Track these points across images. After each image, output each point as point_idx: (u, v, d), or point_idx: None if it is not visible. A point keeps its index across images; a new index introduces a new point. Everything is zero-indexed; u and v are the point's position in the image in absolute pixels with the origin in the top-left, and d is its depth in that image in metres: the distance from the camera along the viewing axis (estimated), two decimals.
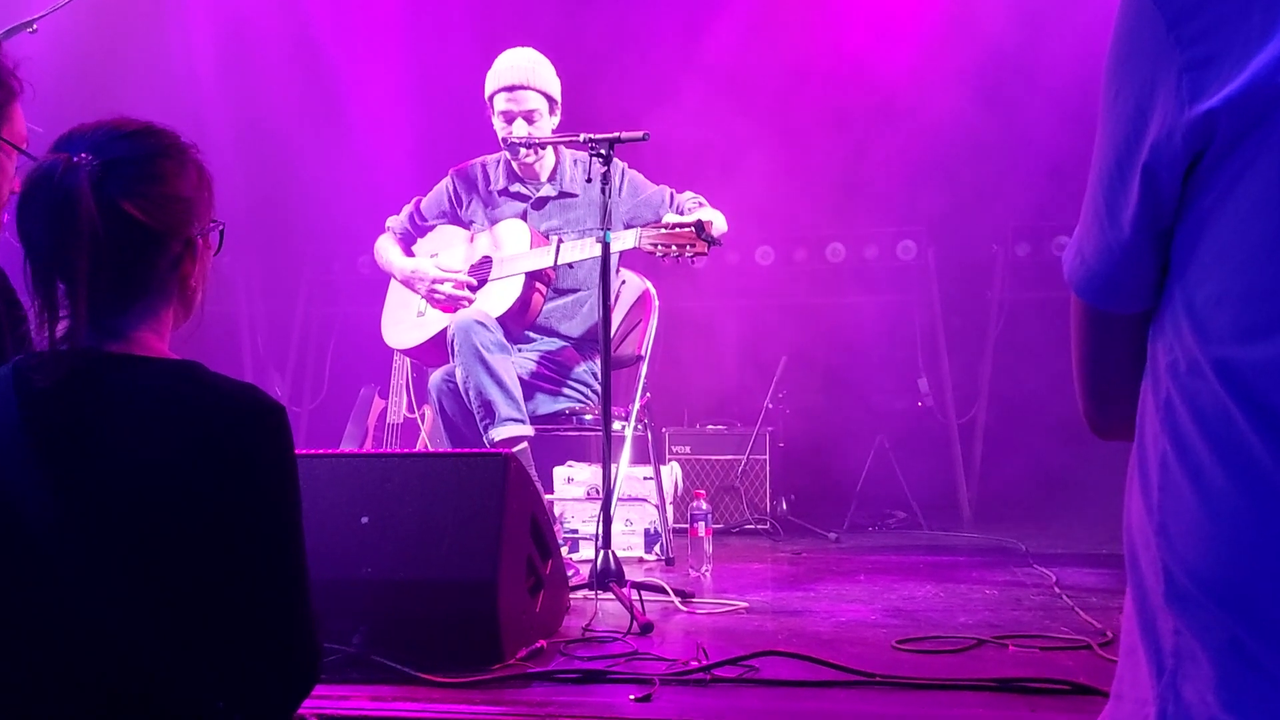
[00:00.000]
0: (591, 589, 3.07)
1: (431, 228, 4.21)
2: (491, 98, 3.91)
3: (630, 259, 4.26)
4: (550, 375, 3.88)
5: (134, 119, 1.35)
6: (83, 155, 1.26)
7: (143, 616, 1.22)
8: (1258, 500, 0.79)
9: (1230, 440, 0.81)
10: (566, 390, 3.91)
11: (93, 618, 1.21)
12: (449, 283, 3.94)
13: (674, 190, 3.97)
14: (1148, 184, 0.87)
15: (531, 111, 3.85)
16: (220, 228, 1.42)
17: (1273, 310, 0.80)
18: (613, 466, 3.33)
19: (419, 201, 4.22)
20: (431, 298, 4.00)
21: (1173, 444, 0.86)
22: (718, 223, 3.78)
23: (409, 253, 4.19)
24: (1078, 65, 4.53)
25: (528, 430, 3.64)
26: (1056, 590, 3.30)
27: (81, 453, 1.23)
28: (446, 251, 4.11)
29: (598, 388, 3.77)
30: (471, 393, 3.63)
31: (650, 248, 3.48)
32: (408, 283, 4.06)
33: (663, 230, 3.48)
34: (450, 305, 3.93)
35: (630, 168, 4.02)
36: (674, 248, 3.44)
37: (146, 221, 1.29)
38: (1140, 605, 0.89)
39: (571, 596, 3.01)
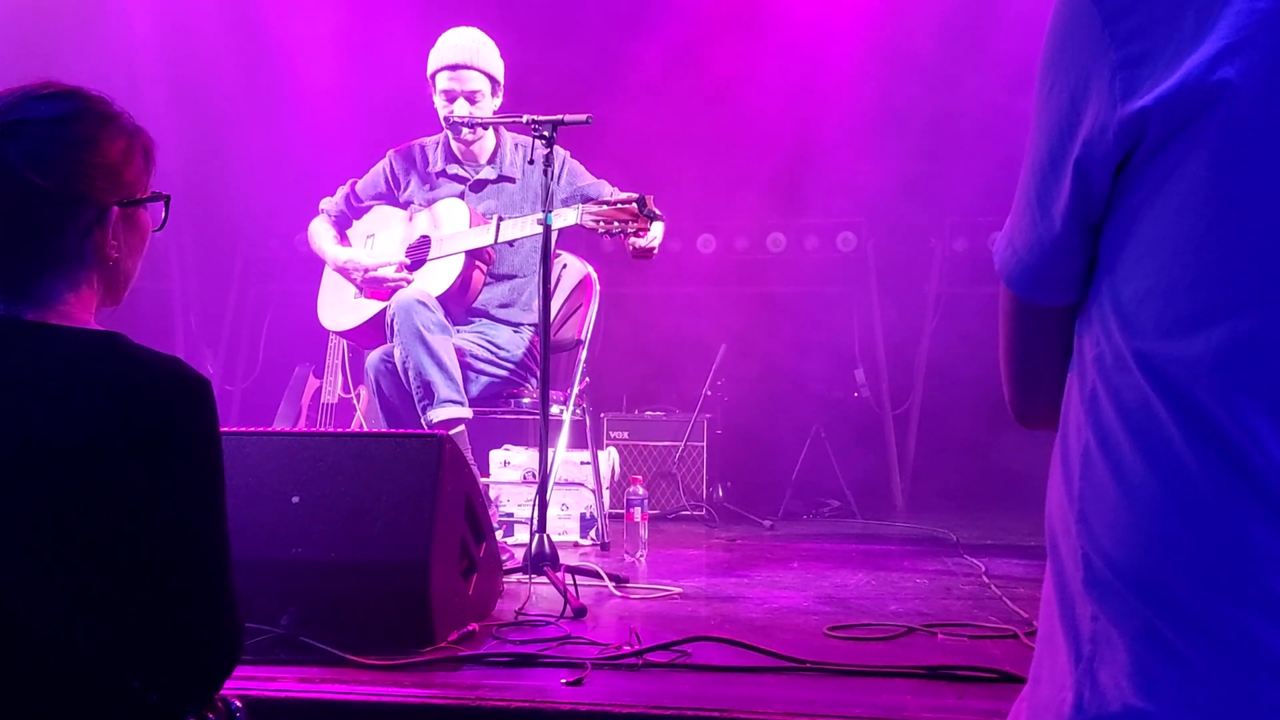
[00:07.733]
0: (525, 573, 3.06)
1: (368, 209, 4.15)
2: (434, 76, 3.86)
3: (573, 244, 4.23)
4: (489, 358, 3.85)
5: (61, 82, 1.30)
6: None
7: (54, 591, 1.18)
8: (1176, 492, 0.81)
9: (1152, 433, 0.82)
10: (505, 373, 3.88)
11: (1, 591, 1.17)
12: (387, 267, 3.88)
13: (615, 188, 3.93)
14: (1079, 179, 0.88)
15: (474, 92, 3.81)
16: (163, 199, 1.37)
17: (1197, 307, 0.81)
18: (550, 450, 3.32)
19: (355, 183, 4.15)
20: (367, 286, 3.94)
21: (1096, 435, 0.87)
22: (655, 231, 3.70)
23: (344, 236, 4.12)
24: (1016, 61, 4.58)
25: (466, 413, 3.61)
26: (985, 580, 3.36)
27: None
28: (384, 232, 4.05)
29: (537, 371, 3.76)
30: (411, 373, 3.59)
31: (592, 224, 3.46)
32: (342, 272, 3.99)
33: (604, 206, 3.46)
34: (386, 292, 3.87)
35: (572, 157, 3.97)
36: (615, 224, 3.42)
37: (47, 186, 1.24)
38: (1059, 591, 0.90)
39: (505, 580, 3.00)
